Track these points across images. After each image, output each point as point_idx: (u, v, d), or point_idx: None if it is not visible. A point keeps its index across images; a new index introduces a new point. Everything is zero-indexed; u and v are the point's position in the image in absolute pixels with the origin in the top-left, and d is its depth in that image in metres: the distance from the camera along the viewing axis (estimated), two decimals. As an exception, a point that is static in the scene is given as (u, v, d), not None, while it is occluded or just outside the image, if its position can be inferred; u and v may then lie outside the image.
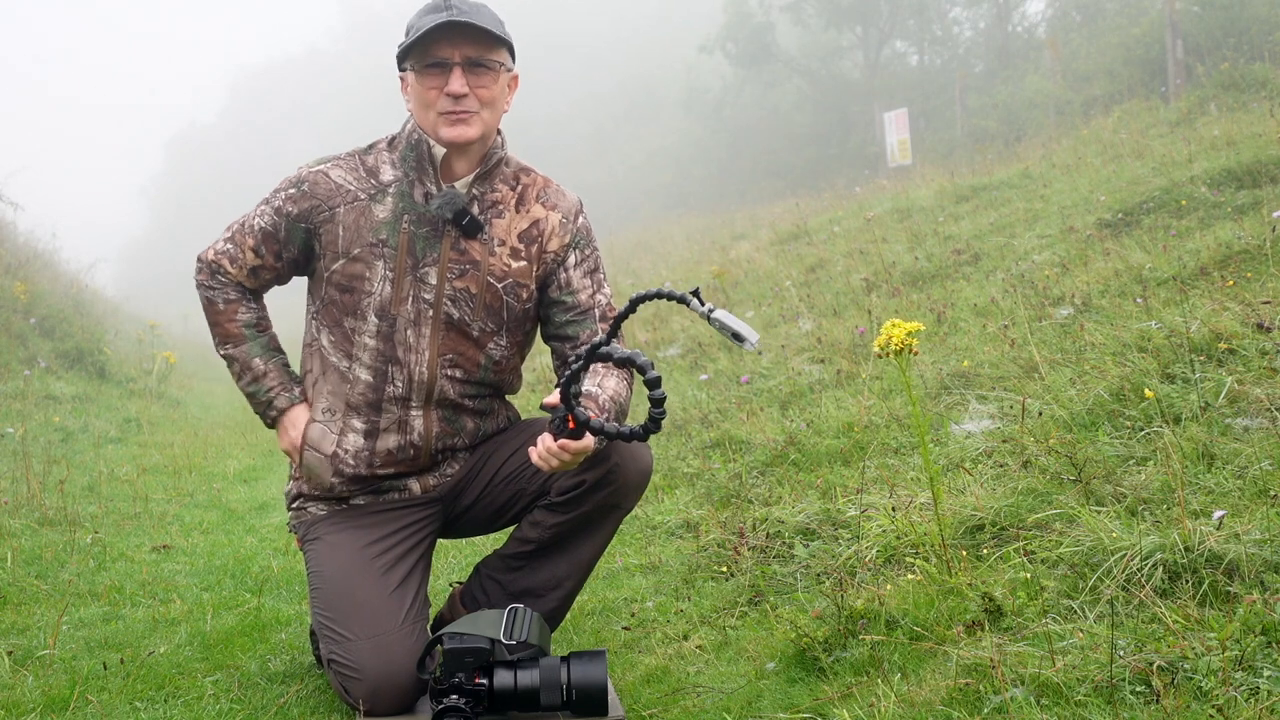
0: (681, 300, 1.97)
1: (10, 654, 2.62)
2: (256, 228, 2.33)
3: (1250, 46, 10.89)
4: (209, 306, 2.38)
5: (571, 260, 2.35)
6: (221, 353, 2.40)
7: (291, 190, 2.30)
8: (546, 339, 2.41)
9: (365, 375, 2.27)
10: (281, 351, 2.42)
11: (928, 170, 12.89)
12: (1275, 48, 10.35)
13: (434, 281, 2.25)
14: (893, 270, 6.57)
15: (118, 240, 48.09)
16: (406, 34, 2.23)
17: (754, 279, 8.08)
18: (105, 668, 2.53)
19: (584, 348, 2.32)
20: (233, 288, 2.36)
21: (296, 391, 2.37)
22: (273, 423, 2.38)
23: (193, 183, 50.73)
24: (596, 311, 2.36)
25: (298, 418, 2.35)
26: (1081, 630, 2.01)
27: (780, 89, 24.48)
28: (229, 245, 2.36)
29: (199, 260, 2.38)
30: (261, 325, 2.40)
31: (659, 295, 2.00)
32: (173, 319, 16.01)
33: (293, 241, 2.31)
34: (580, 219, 2.38)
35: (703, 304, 1.97)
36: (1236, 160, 6.06)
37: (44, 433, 5.97)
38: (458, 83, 2.19)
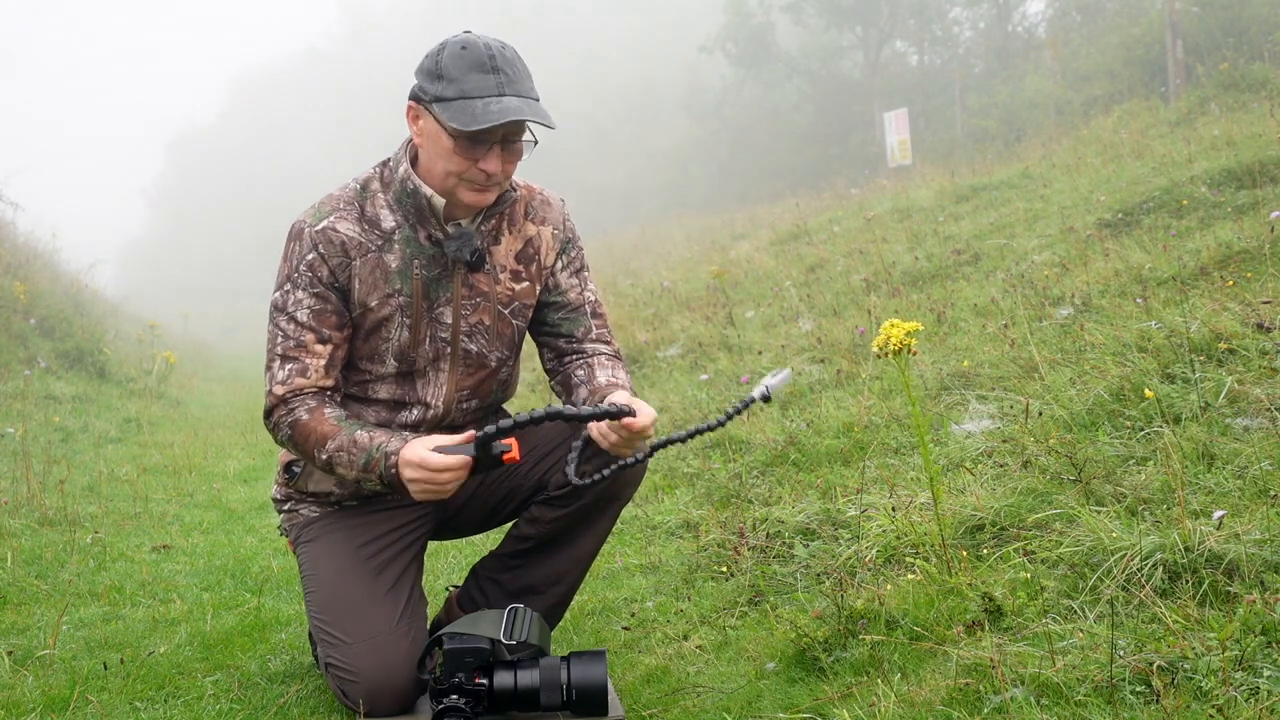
0: (748, 405, 2.04)
1: (10, 654, 2.62)
2: (306, 322, 2.17)
3: (1250, 46, 10.89)
4: (296, 428, 2.15)
5: (559, 264, 2.36)
6: (323, 458, 2.13)
7: (311, 256, 2.17)
8: (536, 336, 2.41)
9: (381, 407, 2.28)
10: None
11: (928, 170, 12.90)
12: (1275, 48, 10.35)
13: (449, 320, 2.25)
14: (893, 270, 6.57)
15: (118, 240, 48.14)
16: (440, 78, 2.07)
17: (754, 279, 8.08)
18: (105, 668, 2.53)
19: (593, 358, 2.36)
20: (311, 396, 2.17)
21: (407, 435, 2.12)
22: (394, 470, 2.05)
23: (193, 183, 50.76)
24: (588, 308, 2.38)
25: (416, 444, 2.05)
26: (1081, 630, 2.01)
27: (780, 89, 24.49)
28: (289, 368, 2.17)
29: (270, 410, 2.18)
30: (351, 416, 2.21)
31: (736, 412, 2.05)
32: (173, 319, 16.03)
33: (339, 300, 2.20)
34: (566, 223, 2.38)
35: (767, 396, 2.02)
36: (1236, 160, 6.06)
37: (44, 433, 5.97)
38: (494, 164, 2.10)
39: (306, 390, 2.17)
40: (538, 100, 2.12)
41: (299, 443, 2.16)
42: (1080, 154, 9.24)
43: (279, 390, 2.17)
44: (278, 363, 2.18)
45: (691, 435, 2.04)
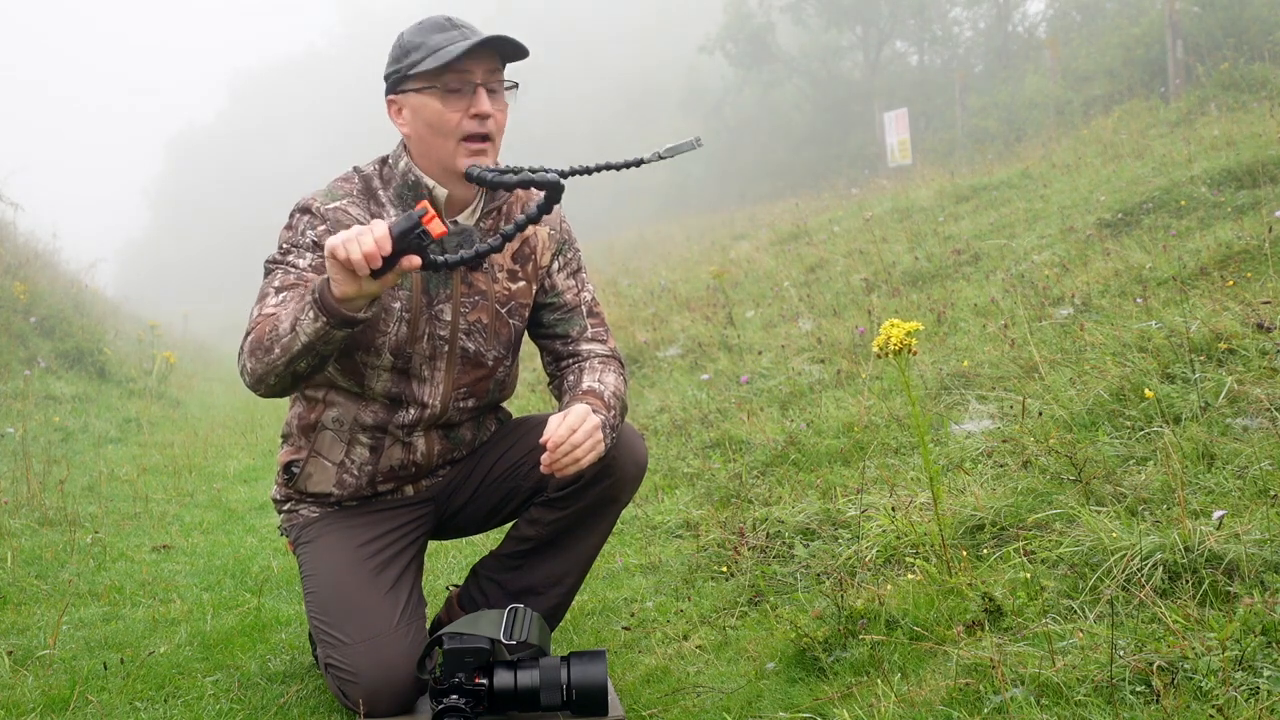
0: (636, 164, 1.93)
1: (10, 654, 2.62)
2: (305, 267, 2.12)
3: (1250, 46, 10.88)
4: (259, 323, 2.02)
5: (556, 265, 2.37)
6: (270, 326, 1.99)
7: (322, 227, 2.16)
8: (536, 338, 2.42)
9: (377, 403, 2.27)
10: None
11: (928, 170, 12.89)
12: (1275, 48, 10.35)
13: (448, 318, 2.24)
14: (893, 270, 6.57)
15: (118, 240, 48.12)
16: (408, 53, 2.13)
17: (754, 279, 8.07)
18: (105, 668, 2.53)
19: (575, 344, 2.35)
20: None
21: None
22: (323, 289, 1.89)
23: (193, 183, 50.77)
24: (584, 308, 2.38)
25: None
26: (1081, 630, 2.01)
27: (780, 89, 24.47)
28: (284, 296, 2.08)
29: (248, 332, 2.06)
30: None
31: (609, 167, 1.94)
32: (173, 319, 16.03)
33: None
34: (562, 225, 2.39)
35: (648, 158, 1.93)
36: (1236, 160, 6.06)
37: (44, 433, 5.97)
38: (486, 103, 2.12)
39: None
40: (518, 44, 2.15)
41: (258, 335, 1.99)
42: (1080, 154, 9.24)
43: (268, 312, 2.05)
44: (271, 295, 2.09)
45: (601, 169, 1.94)
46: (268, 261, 2.18)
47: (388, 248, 1.78)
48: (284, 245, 2.18)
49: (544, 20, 35.31)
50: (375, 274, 1.82)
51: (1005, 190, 8.65)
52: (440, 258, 1.73)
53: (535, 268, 2.34)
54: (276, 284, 2.12)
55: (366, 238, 1.79)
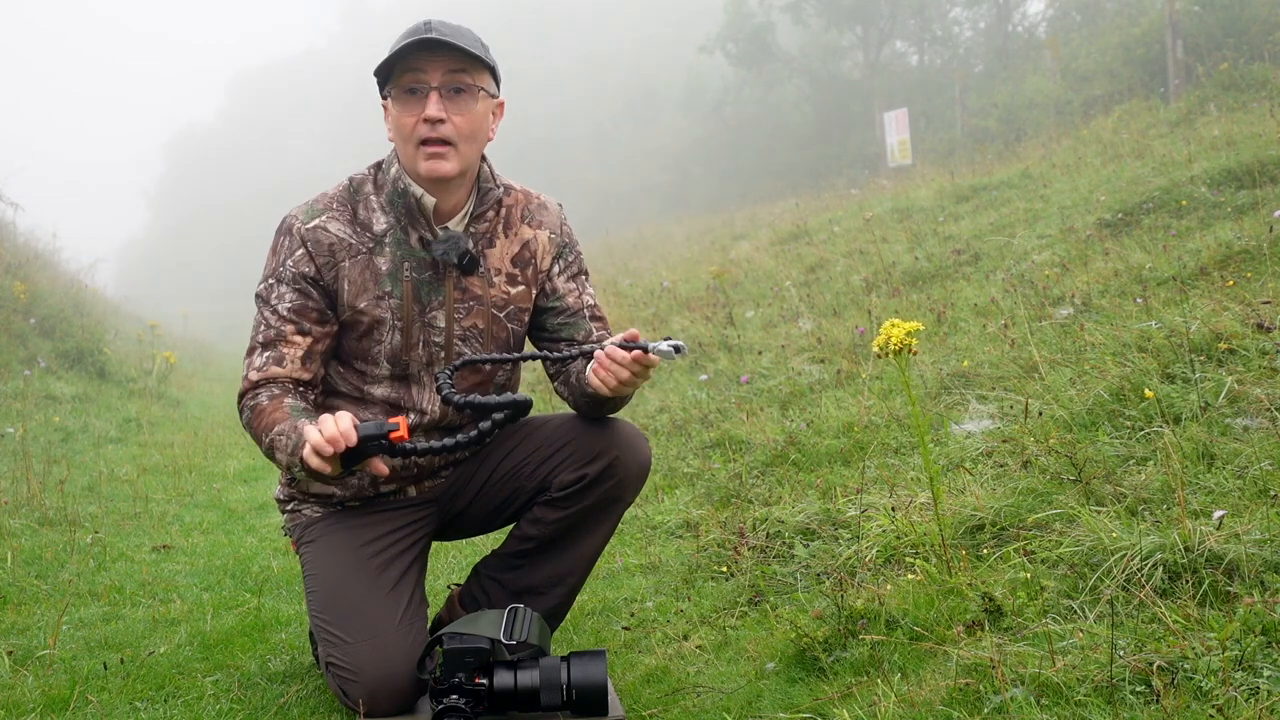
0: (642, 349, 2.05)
1: (10, 654, 2.62)
2: (286, 315, 2.19)
3: (1250, 46, 10.88)
4: (254, 412, 2.13)
5: (556, 269, 2.36)
6: (267, 440, 2.09)
7: (299, 252, 2.19)
8: (537, 342, 2.41)
9: (378, 407, 2.28)
10: None
11: (928, 170, 12.89)
12: (1275, 48, 10.34)
13: (442, 324, 2.25)
14: (893, 270, 6.57)
15: (118, 240, 48.14)
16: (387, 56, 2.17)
17: (754, 279, 8.07)
18: (105, 668, 2.53)
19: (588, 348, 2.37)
20: (280, 385, 2.18)
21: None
22: (302, 456, 1.95)
23: (192, 182, 50.77)
24: (586, 312, 2.38)
25: (315, 423, 1.96)
26: (1081, 630, 2.01)
27: (780, 89, 24.47)
28: (267, 356, 2.19)
29: (242, 394, 2.19)
30: (310, 407, 2.18)
31: (635, 346, 2.10)
32: (173, 319, 16.03)
33: (323, 298, 2.21)
34: (564, 228, 2.39)
35: (649, 347, 2.05)
36: (1236, 160, 6.06)
37: (44, 433, 5.97)
38: (434, 107, 2.11)
39: (280, 379, 2.19)
40: (474, 54, 2.14)
41: (254, 426, 2.15)
42: (1080, 154, 9.24)
43: (254, 376, 2.19)
44: (257, 350, 2.21)
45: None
46: (256, 297, 2.24)
47: (353, 439, 1.90)
48: (268, 278, 2.22)
49: (544, 20, 35.33)
50: (345, 466, 1.93)
51: (1005, 190, 8.65)
52: (412, 446, 1.94)
53: (535, 272, 2.33)
54: (261, 338, 2.21)
55: (329, 425, 1.91)
